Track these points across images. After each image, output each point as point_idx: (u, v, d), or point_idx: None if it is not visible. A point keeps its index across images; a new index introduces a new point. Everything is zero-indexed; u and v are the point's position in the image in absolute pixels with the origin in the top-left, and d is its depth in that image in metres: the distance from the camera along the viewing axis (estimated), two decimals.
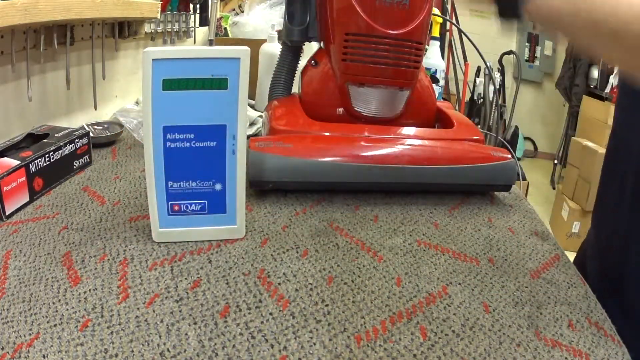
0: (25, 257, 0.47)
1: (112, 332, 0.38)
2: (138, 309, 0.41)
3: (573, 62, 3.19)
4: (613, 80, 2.79)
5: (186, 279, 0.45)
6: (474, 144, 0.70)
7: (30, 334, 0.37)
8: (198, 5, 1.19)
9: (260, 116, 0.94)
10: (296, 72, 0.81)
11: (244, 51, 0.45)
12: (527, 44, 3.74)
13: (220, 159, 0.49)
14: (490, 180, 0.67)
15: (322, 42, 0.75)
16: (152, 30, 1.04)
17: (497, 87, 3.24)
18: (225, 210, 0.51)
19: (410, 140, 0.68)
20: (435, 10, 1.36)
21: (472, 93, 3.14)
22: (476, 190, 0.70)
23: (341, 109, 0.74)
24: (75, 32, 0.80)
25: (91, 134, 0.70)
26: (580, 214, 2.47)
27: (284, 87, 0.80)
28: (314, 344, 0.39)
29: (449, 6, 2.58)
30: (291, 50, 0.78)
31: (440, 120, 0.79)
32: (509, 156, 0.68)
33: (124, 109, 0.97)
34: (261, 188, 0.63)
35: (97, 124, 0.83)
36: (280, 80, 0.79)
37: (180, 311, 0.41)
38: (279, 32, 0.99)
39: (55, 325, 0.38)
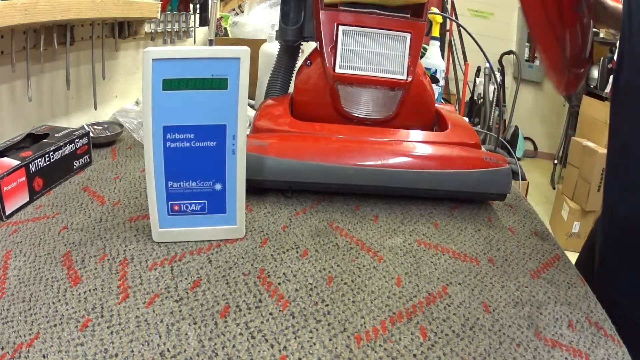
0: (25, 257, 0.47)
1: (112, 332, 0.38)
2: (138, 309, 0.41)
3: None
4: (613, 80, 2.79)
5: (186, 279, 0.45)
6: (466, 148, 0.66)
7: (30, 334, 0.37)
8: (198, 5, 1.19)
9: None
10: (293, 72, 0.80)
11: (244, 51, 0.46)
12: (527, 44, 3.73)
13: (220, 159, 0.49)
14: (480, 188, 0.62)
15: (317, 42, 0.74)
16: (152, 30, 1.04)
17: (498, 87, 3.24)
18: (225, 210, 0.51)
19: (394, 142, 0.65)
20: (435, 10, 1.36)
21: (472, 93, 3.14)
22: (465, 198, 0.66)
23: (333, 110, 0.72)
24: (75, 32, 0.80)
25: (91, 134, 0.70)
26: (580, 214, 2.47)
27: (280, 87, 0.79)
28: (314, 344, 0.39)
29: (449, 6, 2.59)
30: (288, 50, 0.78)
31: (438, 122, 0.76)
32: (504, 163, 0.63)
33: (123, 109, 0.97)
34: None
35: (97, 124, 0.83)
36: (276, 80, 0.79)
37: (180, 311, 0.41)
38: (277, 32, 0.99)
39: (55, 325, 0.38)
